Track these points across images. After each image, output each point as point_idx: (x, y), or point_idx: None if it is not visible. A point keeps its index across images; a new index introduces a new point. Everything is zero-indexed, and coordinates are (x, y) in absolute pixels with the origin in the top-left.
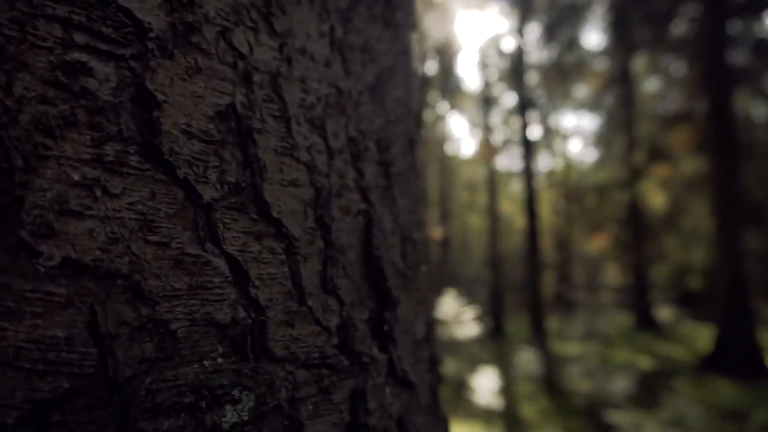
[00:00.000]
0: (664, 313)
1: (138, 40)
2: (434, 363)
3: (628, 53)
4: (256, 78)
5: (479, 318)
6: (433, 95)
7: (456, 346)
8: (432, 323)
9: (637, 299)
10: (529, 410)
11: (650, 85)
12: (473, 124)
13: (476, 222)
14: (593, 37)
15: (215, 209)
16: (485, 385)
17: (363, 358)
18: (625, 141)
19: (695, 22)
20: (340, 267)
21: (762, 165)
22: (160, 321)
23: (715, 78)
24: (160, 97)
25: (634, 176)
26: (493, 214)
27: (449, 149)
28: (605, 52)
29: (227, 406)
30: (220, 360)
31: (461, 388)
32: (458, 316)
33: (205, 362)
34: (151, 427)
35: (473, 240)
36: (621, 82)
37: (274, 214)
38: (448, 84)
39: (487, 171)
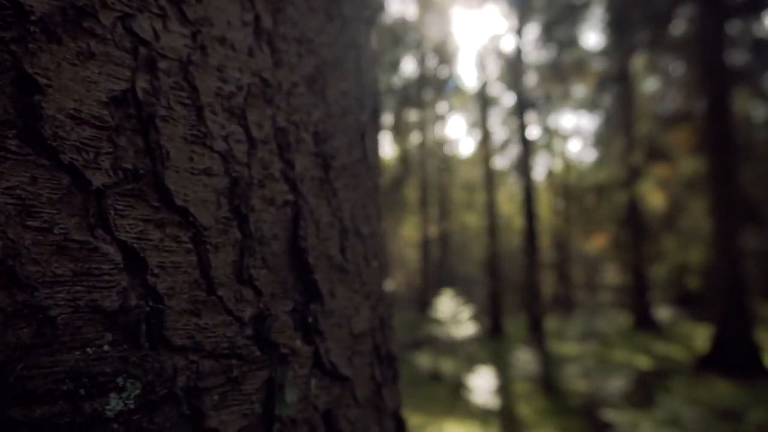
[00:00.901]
0: (663, 313)
1: (19, 23)
2: (390, 358)
3: (627, 53)
4: (162, 65)
5: (477, 318)
6: (432, 95)
7: (454, 346)
8: (386, 318)
9: (636, 299)
10: (526, 410)
11: (649, 85)
12: (472, 124)
13: (475, 222)
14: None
15: (107, 195)
16: (483, 384)
17: (282, 349)
18: (623, 141)
19: (694, 22)
20: (259, 257)
21: (760, 165)
22: (39, 307)
23: (713, 78)
24: (43, 81)
25: (633, 176)
26: (491, 214)
27: (448, 149)
28: (604, 52)
29: (112, 394)
30: (106, 347)
31: (459, 387)
32: (455, 315)
33: (89, 349)
34: (22, 414)
35: (472, 240)
36: (619, 81)
37: (179, 202)
38: (446, 84)
39: (486, 171)
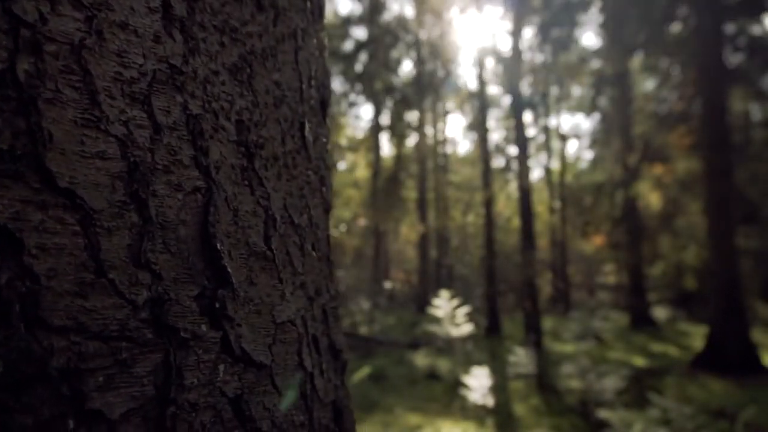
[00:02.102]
0: (661, 312)
1: None
2: (333, 350)
3: (623, 53)
4: (49, 48)
5: (474, 317)
6: (430, 95)
7: (451, 345)
8: (330, 309)
9: (634, 299)
10: (521, 408)
11: (646, 85)
12: (470, 124)
13: (474, 222)
14: (589, 37)
15: None
16: (479, 383)
17: (182, 333)
18: (620, 141)
19: (690, 22)
20: (160, 242)
21: (758, 164)
22: None
23: (709, 78)
24: None
25: (630, 176)
26: (488, 214)
27: (446, 149)
28: (600, 52)
29: None
30: None
31: (456, 386)
32: (452, 315)
33: None
34: None
35: (471, 240)
36: (615, 82)
37: (63, 185)
38: (445, 84)
39: (484, 170)
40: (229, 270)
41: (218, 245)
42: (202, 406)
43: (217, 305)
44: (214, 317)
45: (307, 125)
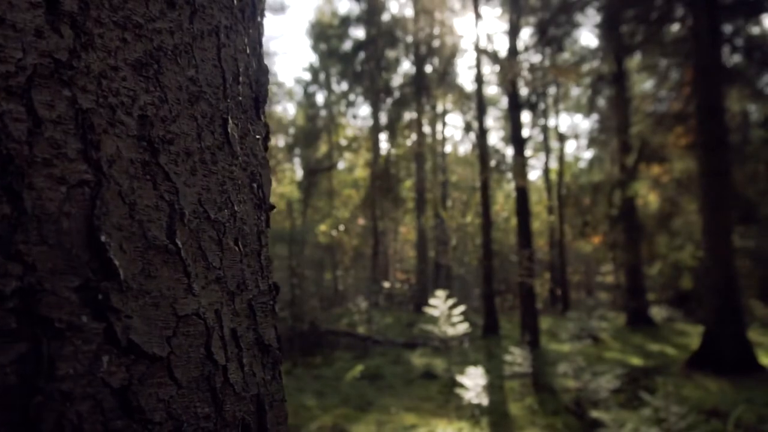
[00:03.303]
0: (658, 312)
1: None
2: (261, 345)
3: (620, 53)
4: None
5: (472, 317)
6: (428, 95)
7: (447, 345)
8: (257, 305)
9: (631, 299)
10: (516, 408)
11: (643, 84)
12: (468, 124)
13: (473, 222)
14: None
15: None
16: (474, 383)
17: (56, 323)
18: (617, 140)
19: (687, 21)
20: (35, 233)
21: (756, 164)
22: None
23: (707, 78)
24: None
25: (628, 176)
26: (486, 213)
27: (444, 148)
28: (597, 52)
29: None
30: None
31: (451, 386)
32: (448, 314)
33: None
34: None
35: (470, 240)
36: (613, 82)
37: None
38: (443, 84)
39: (482, 170)
40: (116, 262)
41: (103, 237)
42: (79, 396)
43: (100, 297)
44: (98, 309)
45: (230, 121)
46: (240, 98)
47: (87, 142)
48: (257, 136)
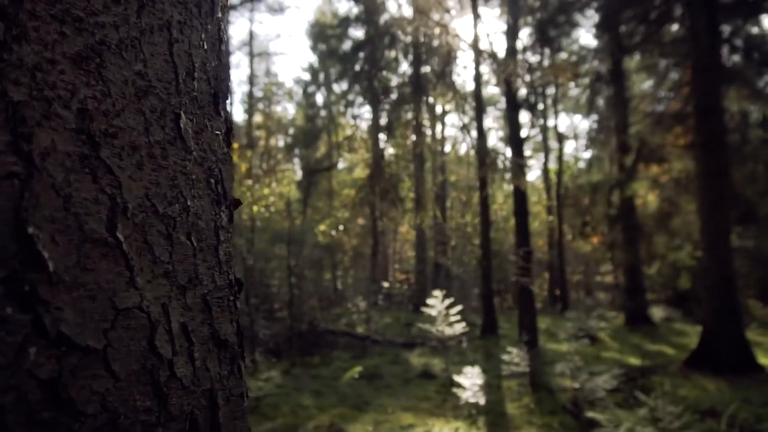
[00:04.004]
0: (657, 312)
1: None
2: (217, 340)
3: (619, 53)
4: None
5: (470, 317)
6: (426, 95)
7: (445, 345)
8: (215, 299)
9: (630, 298)
10: (513, 407)
11: (642, 84)
12: (467, 124)
13: (472, 221)
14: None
15: None
16: (472, 383)
17: None
18: (616, 140)
19: (686, 21)
20: None
21: (755, 164)
22: None
23: (705, 78)
24: None
25: (627, 176)
26: (485, 213)
27: (443, 148)
28: (597, 52)
29: None
30: None
31: (449, 385)
32: (445, 314)
33: None
34: None
35: (469, 239)
36: (612, 81)
37: None
38: (442, 84)
39: (480, 170)
40: (45, 254)
41: (30, 230)
42: (1, 387)
43: (27, 288)
44: (24, 300)
45: (183, 116)
46: (195, 94)
47: (17, 135)
48: (216, 132)
